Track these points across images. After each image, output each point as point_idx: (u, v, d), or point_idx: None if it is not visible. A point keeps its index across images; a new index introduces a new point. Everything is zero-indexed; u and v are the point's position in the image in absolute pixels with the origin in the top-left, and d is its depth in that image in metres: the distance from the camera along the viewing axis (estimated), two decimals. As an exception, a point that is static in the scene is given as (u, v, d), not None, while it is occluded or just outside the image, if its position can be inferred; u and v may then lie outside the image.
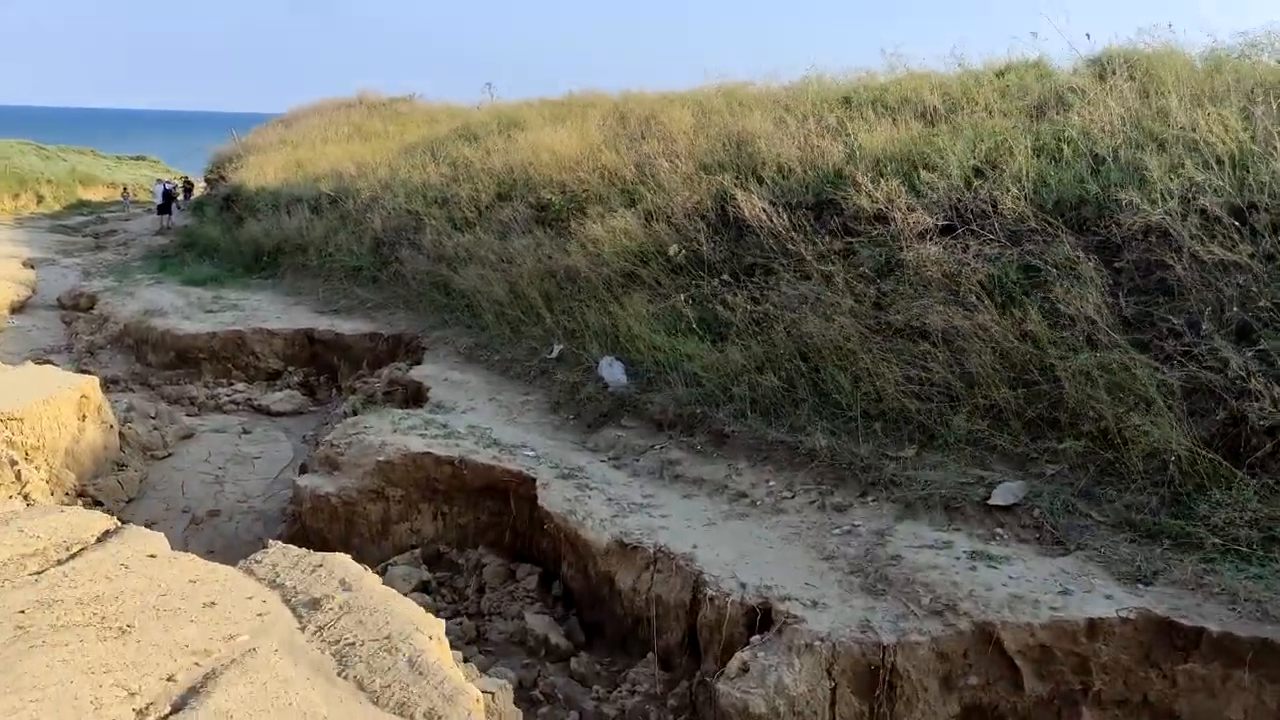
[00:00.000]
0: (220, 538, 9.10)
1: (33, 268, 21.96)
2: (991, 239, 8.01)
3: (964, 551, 5.94)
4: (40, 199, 37.90)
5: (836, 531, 6.48)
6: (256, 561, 5.44)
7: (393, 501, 8.28)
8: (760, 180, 10.59)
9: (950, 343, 7.42)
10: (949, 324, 7.45)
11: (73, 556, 5.26)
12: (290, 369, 14.14)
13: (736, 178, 10.52)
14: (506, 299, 11.85)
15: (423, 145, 20.79)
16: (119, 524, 5.95)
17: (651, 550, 6.38)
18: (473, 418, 9.59)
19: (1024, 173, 8.43)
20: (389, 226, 16.04)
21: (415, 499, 8.27)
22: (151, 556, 5.34)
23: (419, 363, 12.20)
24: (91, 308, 18.10)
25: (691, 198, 10.88)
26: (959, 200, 8.56)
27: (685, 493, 7.43)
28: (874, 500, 6.77)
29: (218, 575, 5.11)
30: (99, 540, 5.56)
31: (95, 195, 43.04)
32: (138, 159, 60.02)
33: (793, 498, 7.00)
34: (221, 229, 22.98)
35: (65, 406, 9.75)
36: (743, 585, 5.85)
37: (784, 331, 8.24)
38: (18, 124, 74.16)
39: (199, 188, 37.78)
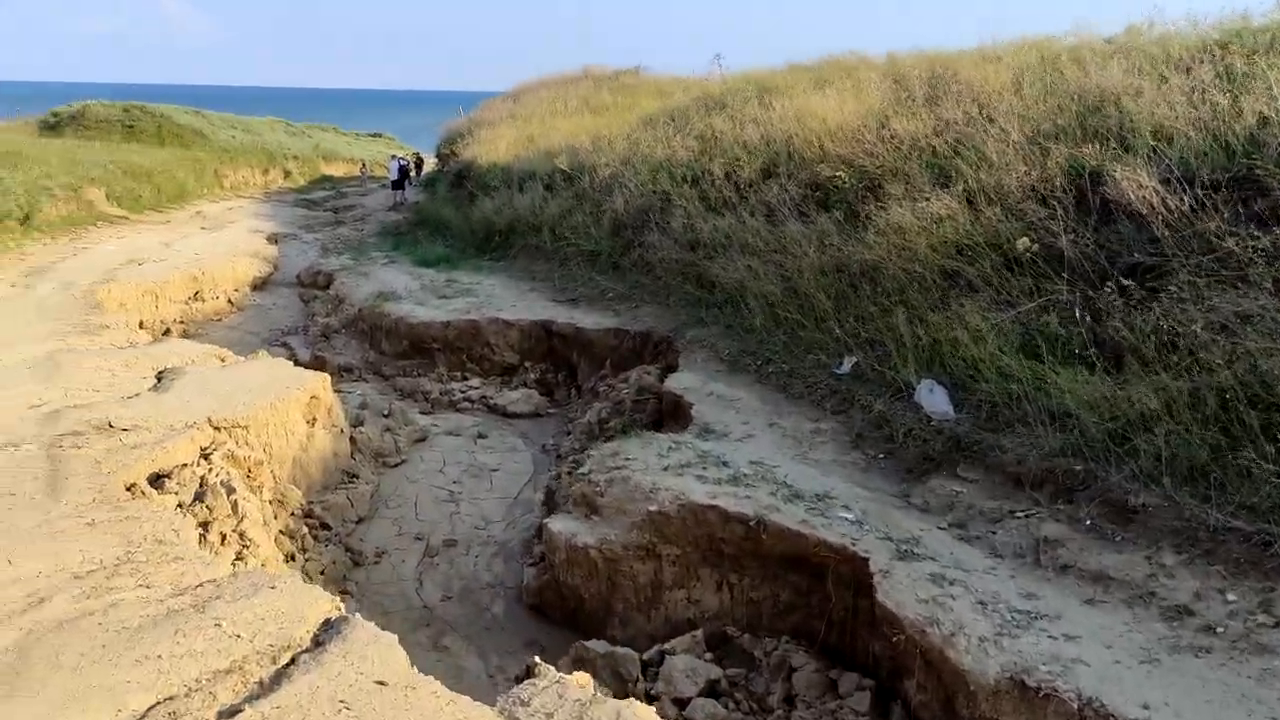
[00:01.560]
0: (458, 577, 7.73)
1: (276, 243, 22.14)
2: None
3: None
4: (287, 174, 39.56)
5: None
6: (523, 704, 3.80)
7: (666, 562, 6.57)
8: (1128, 150, 8.09)
9: None
10: None
11: (278, 675, 3.80)
12: (526, 364, 12.86)
13: (1103, 147, 8.06)
14: (780, 297, 9.93)
15: (662, 116, 19.12)
16: (340, 610, 4.49)
17: (1075, 704, 4.28)
18: (753, 449, 7.75)
19: None
20: (631, 207, 14.47)
21: (694, 561, 6.53)
22: (380, 684, 3.80)
23: (672, 368, 10.51)
24: (328, 286, 17.72)
25: (1029, 174, 8.52)
26: None
27: (1085, 595, 5.26)
28: None
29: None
30: (315, 642, 4.10)
31: (336, 170, 44.72)
32: (374, 135, 62.47)
33: (1276, 626, 4.69)
34: (453, 207, 22.37)
35: (294, 410, 8.69)
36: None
37: (1220, 361, 5.84)
38: (269, 103, 79.30)
39: (429, 163, 38.21)
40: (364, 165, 43.41)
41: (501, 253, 18.20)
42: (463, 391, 12.36)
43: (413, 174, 32.55)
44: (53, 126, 35.01)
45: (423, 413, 11.87)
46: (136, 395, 8.03)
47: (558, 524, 7.01)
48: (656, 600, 6.58)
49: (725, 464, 7.26)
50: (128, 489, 5.89)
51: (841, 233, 9.86)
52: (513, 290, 14.89)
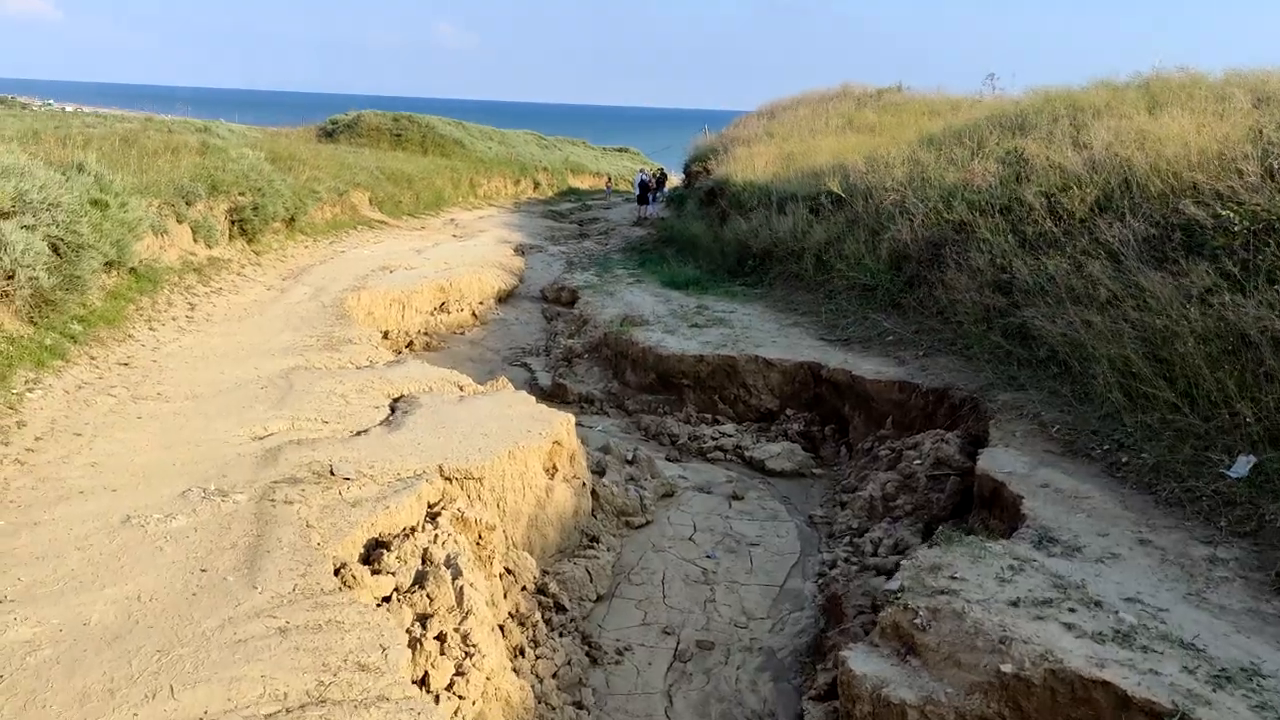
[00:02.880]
0: (716, 697, 6.14)
1: (522, 254, 21.72)
2: None
3: None
4: (536, 185, 40.08)
5: None
6: None
7: (1023, 747, 4.67)
8: None
9: None
10: None
11: None
12: (788, 411, 11.18)
13: None
14: (1140, 364, 7.69)
15: (946, 137, 16.94)
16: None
17: None
18: (1123, 578, 5.68)
19: None
20: (919, 237, 12.47)
21: (1068, 753, 4.59)
22: None
23: (979, 438, 8.51)
24: (572, 304, 16.86)
25: None
26: None
27: None
28: None
29: None
30: None
31: (582, 183, 45.07)
32: (620, 150, 63.14)
33: None
34: (703, 226, 21.08)
35: (535, 459, 7.45)
36: None
37: None
38: (523, 118, 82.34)
39: (672, 180, 37.49)
40: (609, 179, 43.41)
41: (756, 278, 16.65)
42: (714, 438, 10.85)
43: (654, 190, 31.72)
44: (330, 133, 37.05)
45: (668, 458, 10.46)
46: (365, 432, 7.04)
47: (861, 663, 5.26)
48: (1003, 798, 4.70)
49: (1097, 603, 5.25)
50: (337, 572, 4.71)
51: (1234, 288, 7.51)
52: (772, 323, 13.26)
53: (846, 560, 7.91)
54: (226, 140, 19.10)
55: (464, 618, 5.03)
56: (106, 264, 8.91)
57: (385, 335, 13.48)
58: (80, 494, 5.18)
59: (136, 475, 5.57)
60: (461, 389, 8.95)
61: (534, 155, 44.06)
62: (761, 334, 12.62)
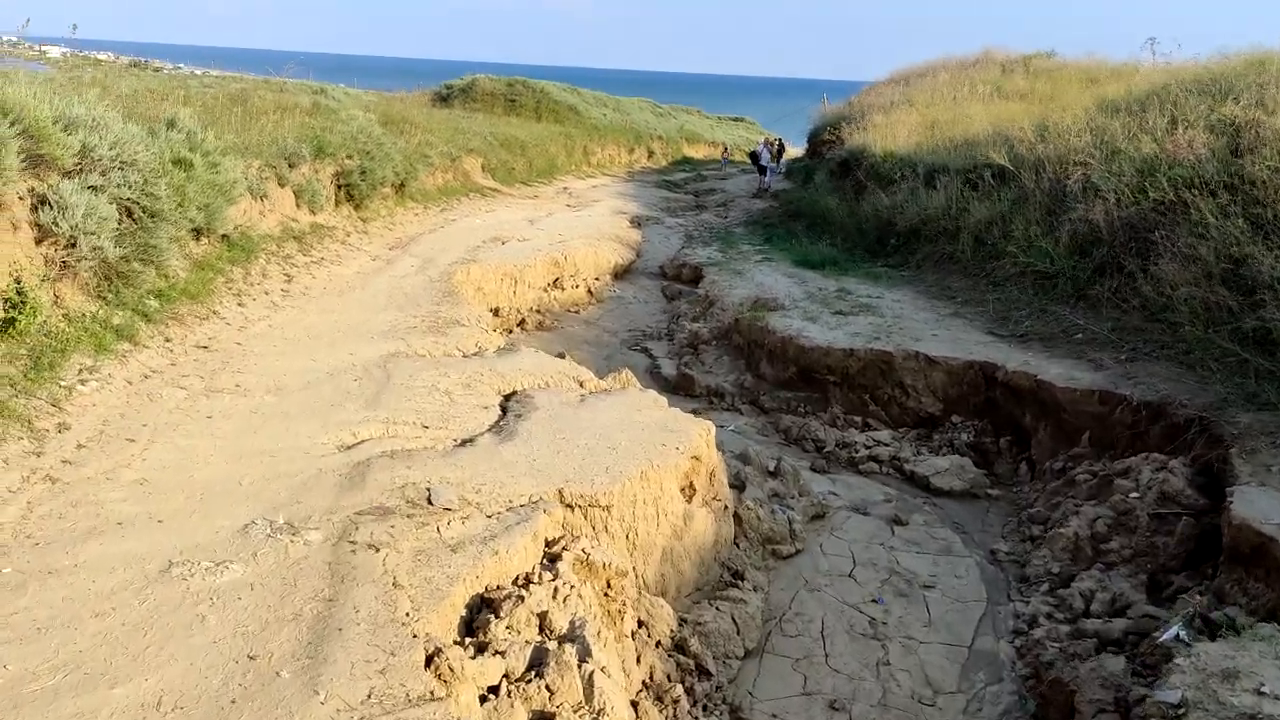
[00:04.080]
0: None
1: (639, 226, 20.41)
2: None
3: None
4: (650, 153, 38.77)
5: None
6: None
7: None
8: None
9: None
10: None
11: None
12: (954, 418, 9.59)
13: None
14: None
15: (1130, 103, 14.83)
16: None
17: None
18: None
19: None
20: (1114, 218, 10.61)
21: None
22: None
23: (1214, 468, 6.84)
24: (695, 281, 15.52)
25: None
26: None
27: None
28: None
29: None
30: None
31: (696, 153, 43.54)
32: (736, 120, 61.18)
33: None
34: (837, 199, 19.37)
35: (671, 480, 6.14)
36: None
37: None
38: (635, 86, 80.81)
39: (791, 150, 35.64)
40: (725, 148, 41.68)
41: (901, 259, 14.96)
42: (866, 446, 9.35)
43: (770, 160, 29.93)
44: (444, 99, 36.36)
45: (813, 468, 9.03)
46: (471, 441, 5.84)
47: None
48: None
49: None
50: (429, 661, 3.48)
51: None
52: (927, 312, 11.61)
53: (1050, 617, 6.38)
54: (340, 103, 18.28)
55: (596, 708, 3.76)
56: (194, 230, 7.96)
57: (495, 312, 12.37)
58: (118, 526, 4.11)
59: (192, 498, 4.48)
60: (582, 385, 7.70)
61: (649, 123, 42.67)
62: (917, 325, 11.00)
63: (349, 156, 14.15)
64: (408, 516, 4.56)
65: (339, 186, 13.92)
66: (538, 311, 13.31)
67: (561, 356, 10.20)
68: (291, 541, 4.11)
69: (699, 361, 11.58)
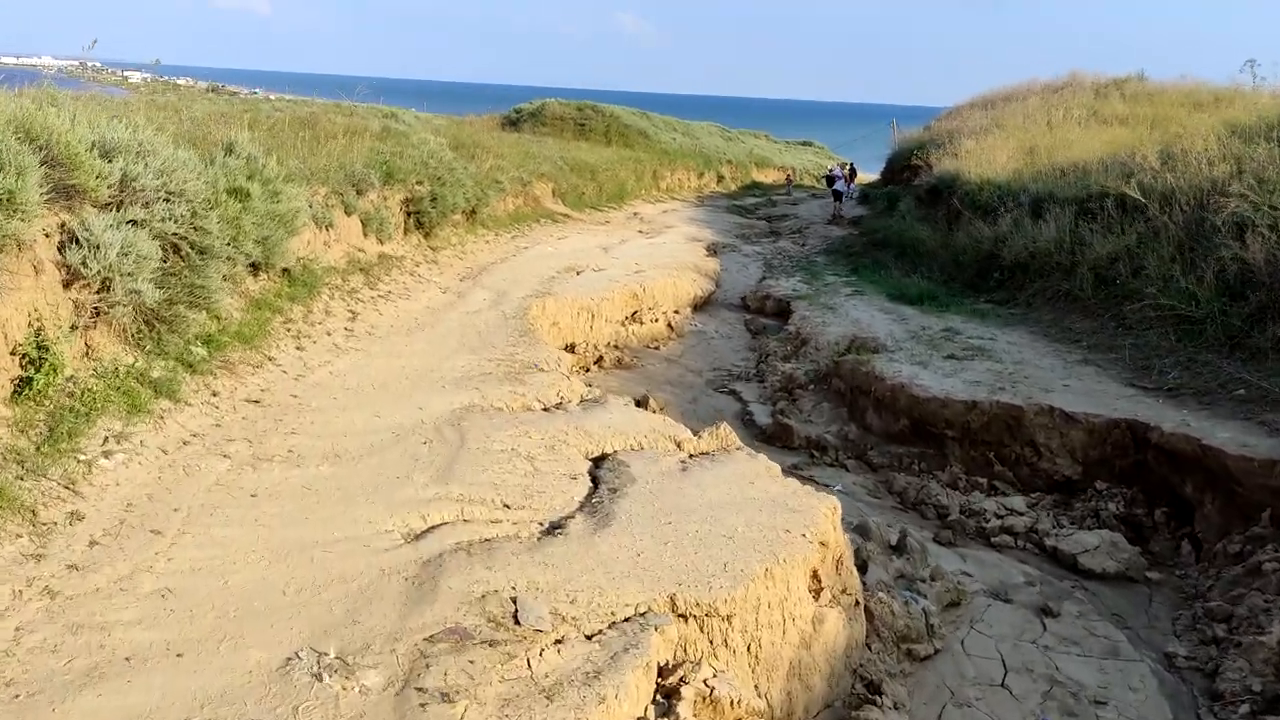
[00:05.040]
0: None
1: (715, 254, 19.43)
2: None
3: None
4: (720, 178, 37.90)
5: None
6: None
7: None
8: None
9: None
10: None
11: None
12: (1098, 485, 8.37)
13: None
14: None
15: (1260, 128, 13.48)
16: None
17: None
18: None
19: None
20: (1275, 257, 9.32)
21: None
22: None
23: None
24: (780, 315, 14.54)
25: None
26: None
27: None
28: None
29: None
30: None
31: (765, 177, 42.54)
32: (804, 144, 60.12)
33: None
34: (929, 229, 18.20)
35: (798, 575, 5.09)
36: None
37: None
38: (706, 110, 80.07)
39: (862, 176, 34.44)
40: (791, 173, 40.56)
41: (1006, 295, 13.74)
42: (998, 515, 8.18)
43: (842, 185, 28.76)
44: (514, 123, 35.90)
45: (937, 540, 7.90)
46: (561, 527, 4.86)
47: None
48: None
49: None
50: None
51: None
52: (1051, 358, 10.39)
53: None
54: (410, 126, 17.68)
55: None
56: (250, 265, 7.17)
57: (570, 348, 11.48)
58: (125, 663, 3.21)
59: (224, 616, 3.58)
60: (679, 446, 6.70)
61: (718, 147, 41.81)
62: (1043, 373, 9.80)
63: (419, 182, 13.42)
64: (490, 644, 3.59)
65: (408, 214, 13.19)
66: (615, 348, 12.38)
67: (644, 402, 9.27)
68: (344, 688, 3.17)
69: (795, 409, 10.51)
